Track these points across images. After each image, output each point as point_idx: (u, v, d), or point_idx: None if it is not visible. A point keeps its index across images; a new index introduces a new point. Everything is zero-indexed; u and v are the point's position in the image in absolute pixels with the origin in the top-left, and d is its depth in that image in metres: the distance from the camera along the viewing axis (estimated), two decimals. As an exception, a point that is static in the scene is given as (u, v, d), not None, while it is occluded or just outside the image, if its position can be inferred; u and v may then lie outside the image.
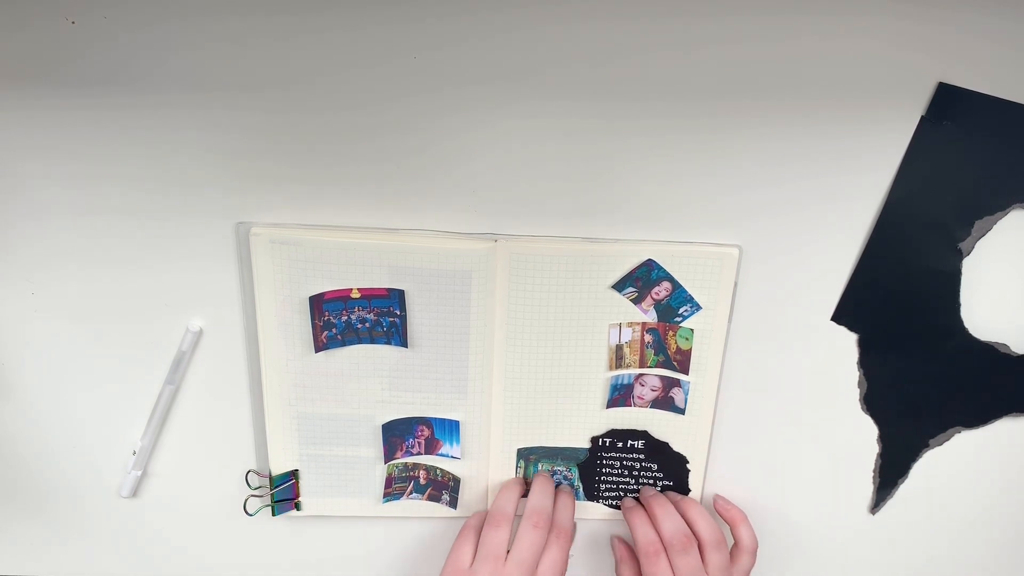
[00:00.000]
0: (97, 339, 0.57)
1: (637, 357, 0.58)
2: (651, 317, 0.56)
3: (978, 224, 0.53)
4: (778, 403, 0.60)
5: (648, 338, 0.57)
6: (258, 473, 0.61)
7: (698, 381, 0.58)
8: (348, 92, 0.50)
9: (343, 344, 0.55)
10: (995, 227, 0.53)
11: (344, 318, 0.54)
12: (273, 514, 0.61)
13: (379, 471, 0.61)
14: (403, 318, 0.55)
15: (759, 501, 0.63)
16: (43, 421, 0.60)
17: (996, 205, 0.52)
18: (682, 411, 0.59)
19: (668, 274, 0.55)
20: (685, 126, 0.51)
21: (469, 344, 0.56)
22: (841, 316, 0.56)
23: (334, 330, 0.55)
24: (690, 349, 0.57)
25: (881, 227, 0.53)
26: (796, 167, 0.52)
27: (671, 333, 0.57)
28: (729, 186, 0.53)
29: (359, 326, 0.55)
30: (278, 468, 0.60)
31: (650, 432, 0.60)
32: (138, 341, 0.57)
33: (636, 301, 0.56)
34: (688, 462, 0.61)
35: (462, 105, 0.51)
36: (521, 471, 0.61)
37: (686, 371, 0.58)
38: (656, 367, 0.58)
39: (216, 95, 0.50)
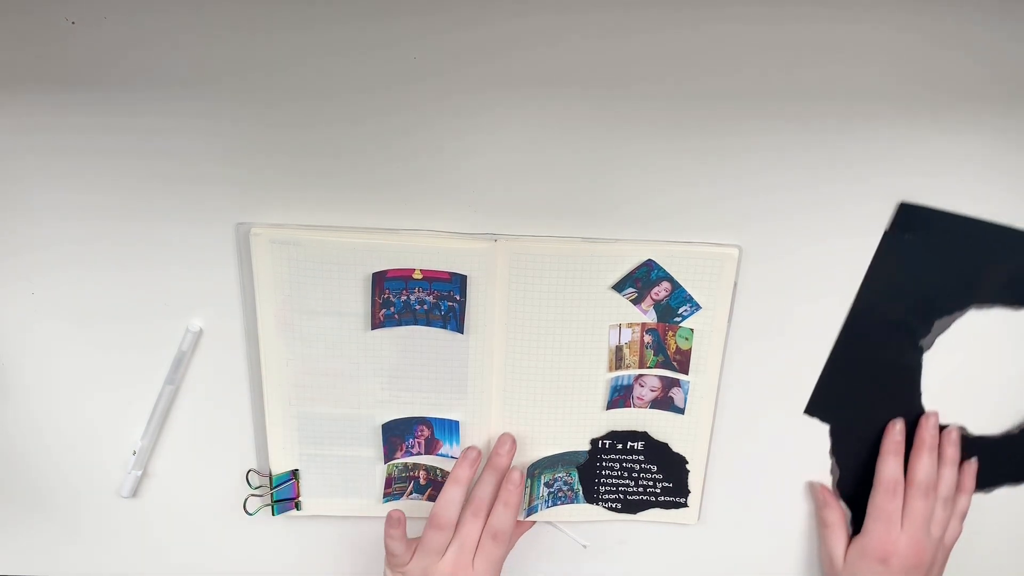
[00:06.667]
0: (97, 339, 0.57)
1: (637, 358, 0.58)
2: (651, 317, 0.56)
3: (937, 323, 0.57)
4: (778, 403, 0.60)
5: (648, 338, 0.57)
6: (258, 473, 0.61)
7: (698, 381, 0.58)
8: (347, 93, 0.50)
9: (399, 323, 0.55)
10: (953, 325, 0.57)
11: (404, 298, 0.54)
12: (273, 513, 0.61)
13: (379, 471, 0.61)
14: (462, 303, 0.55)
15: (759, 502, 0.63)
16: (43, 421, 0.59)
17: (954, 307, 0.56)
18: (682, 411, 0.59)
19: (668, 274, 0.55)
20: (684, 127, 0.51)
21: (468, 344, 0.56)
22: (814, 409, 0.60)
23: (392, 309, 0.55)
24: (690, 349, 0.57)
25: (849, 327, 0.57)
26: (796, 175, 0.53)
27: (671, 333, 0.57)
28: (729, 187, 0.53)
29: (418, 307, 0.55)
30: (278, 468, 0.60)
31: (650, 433, 0.60)
32: (138, 341, 0.57)
33: (636, 301, 0.56)
34: (688, 462, 0.61)
35: (462, 106, 0.51)
36: (529, 489, 0.61)
37: (686, 371, 0.58)
38: (656, 367, 0.58)
39: (216, 96, 0.50)
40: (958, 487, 0.60)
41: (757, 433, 0.61)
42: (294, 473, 0.61)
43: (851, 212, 0.54)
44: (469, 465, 0.57)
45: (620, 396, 0.59)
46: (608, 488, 0.62)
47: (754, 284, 0.56)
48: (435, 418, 0.59)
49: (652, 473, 0.62)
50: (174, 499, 0.62)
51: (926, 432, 0.59)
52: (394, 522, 0.56)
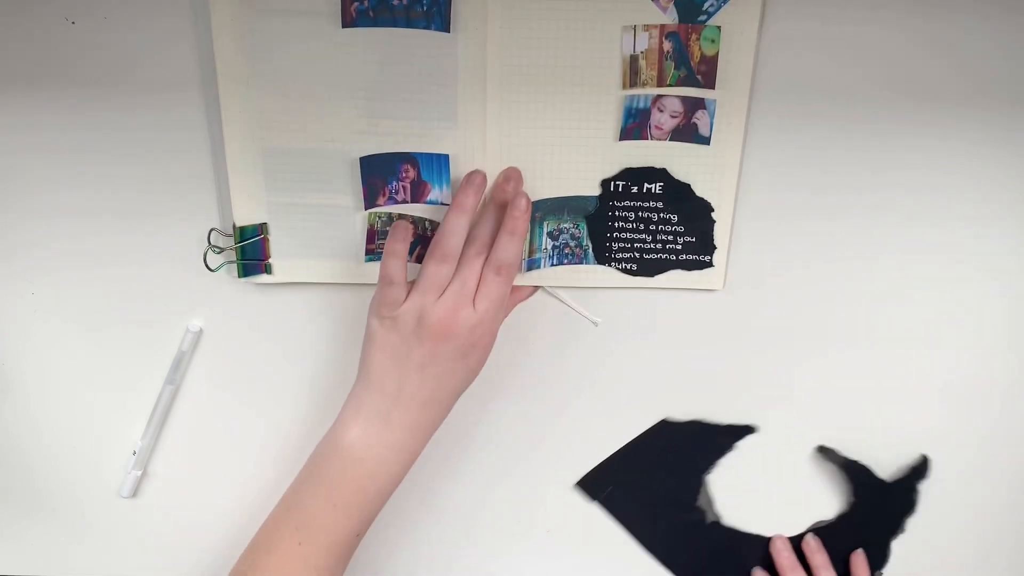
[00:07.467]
0: (97, 339, 0.56)
1: (655, 72, 0.49)
2: (671, 17, 0.48)
3: (701, 499, 0.62)
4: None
5: (667, 46, 0.49)
6: (222, 232, 0.54)
7: (726, 98, 0.50)
8: None
9: (374, 24, 0.47)
10: (713, 493, 0.61)
11: None
12: (240, 275, 0.54)
13: (359, 221, 0.53)
14: None
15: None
16: (43, 421, 0.59)
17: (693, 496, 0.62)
18: (707, 140, 0.51)
19: (691, -47, 0.46)
20: None
21: (457, 47, 0.48)
22: None
23: (366, 2, 0.47)
24: (716, 55, 0.49)
25: None
26: None
27: (694, 37, 0.48)
28: None
29: (395, 2, 0.46)
30: (243, 219, 0.52)
31: (669, 171, 0.52)
32: (138, 341, 0.56)
33: (653, -7, 0.47)
34: (713, 210, 0.53)
35: None
36: (529, 235, 0.53)
37: (712, 85, 0.50)
38: (677, 84, 0.50)
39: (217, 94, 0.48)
40: None
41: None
42: (262, 227, 0.53)
43: None
44: (474, 191, 0.49)
45: (635, 123, 0.51)
46: (622, 245, 0.54)
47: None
48: (421, 153, 0.51)
49: (672, 225, 0.54)
50: (174, 499, 0.61)
51: (782, 557, 0.61)
52: (400, 233, 0.48)
